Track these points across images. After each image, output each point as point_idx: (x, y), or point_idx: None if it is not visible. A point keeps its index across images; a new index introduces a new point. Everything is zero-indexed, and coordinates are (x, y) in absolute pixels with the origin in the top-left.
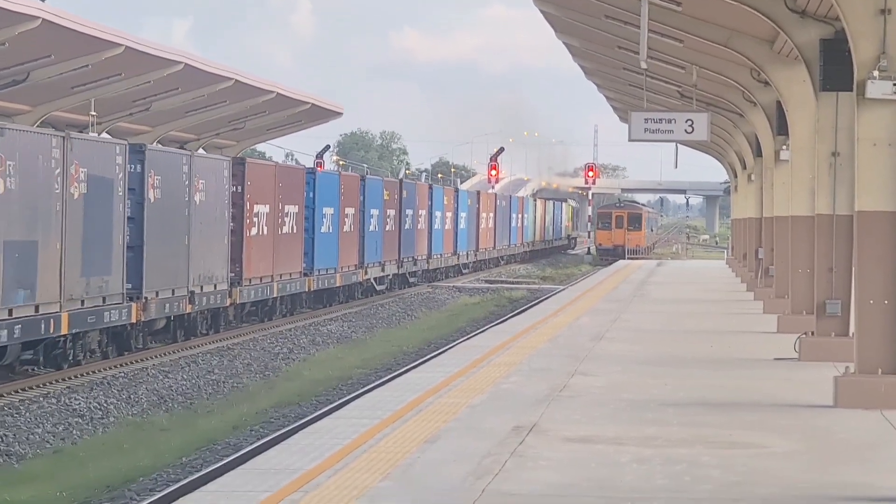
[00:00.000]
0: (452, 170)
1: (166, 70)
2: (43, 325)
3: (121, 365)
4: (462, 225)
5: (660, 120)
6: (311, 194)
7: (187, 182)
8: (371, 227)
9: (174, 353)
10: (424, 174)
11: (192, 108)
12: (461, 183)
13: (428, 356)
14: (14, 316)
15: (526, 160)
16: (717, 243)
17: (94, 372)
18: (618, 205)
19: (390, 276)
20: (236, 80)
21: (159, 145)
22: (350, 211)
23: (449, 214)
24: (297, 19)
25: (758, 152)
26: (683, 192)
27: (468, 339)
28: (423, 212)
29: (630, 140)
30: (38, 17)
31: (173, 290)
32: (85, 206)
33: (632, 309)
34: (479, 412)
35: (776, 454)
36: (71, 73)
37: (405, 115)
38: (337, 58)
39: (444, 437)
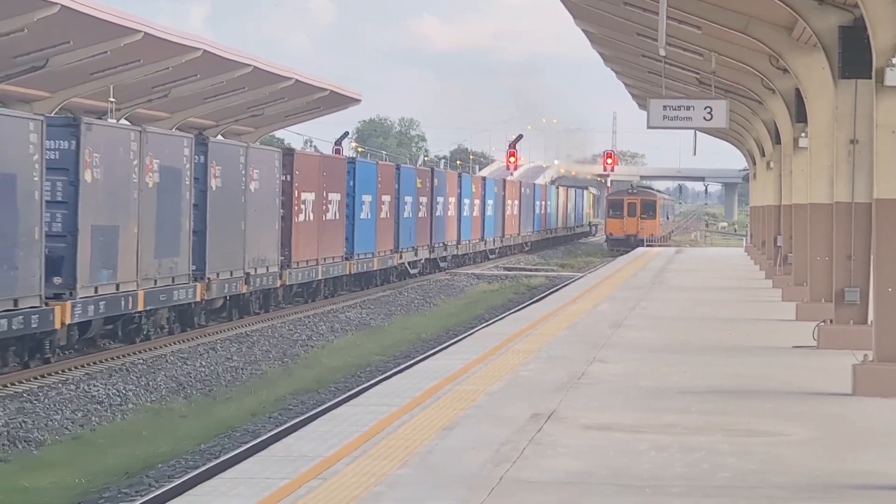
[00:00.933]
0: (471, 157)
1: (185, 56)
2: (123, 302)
3: (139, 352)
4: (489, 212)
5: (678, 107)
6: (352, 183)
7: (244, 172)
8: (405, 214)
9: (192, 339)
10: (443, 161)
11: (211, 94)
12: (479, 170)
13: (446, 343)
14: (99, 293)
15: (544, 147)
16: (735, 231)
17: (113, 359)
18: (630, 191)
19: (422, 261)
20: (255, 67)
21: (221, 137)
22: (386, 198)
23: (477, 202)
24: (315, 5)
25: (776, 140)
26: (702, 179)
27: (487, 326)
28: (452, 199)
29: (649, 127)
30: (57, 4)
31: (231, 272)
32: (158, 194)
33: (650, 296)
34: (497, 399)
35: (794, 442)
36: (90, 59)
37: (423, 102)
38: (355, 44)
39: (462, 425)
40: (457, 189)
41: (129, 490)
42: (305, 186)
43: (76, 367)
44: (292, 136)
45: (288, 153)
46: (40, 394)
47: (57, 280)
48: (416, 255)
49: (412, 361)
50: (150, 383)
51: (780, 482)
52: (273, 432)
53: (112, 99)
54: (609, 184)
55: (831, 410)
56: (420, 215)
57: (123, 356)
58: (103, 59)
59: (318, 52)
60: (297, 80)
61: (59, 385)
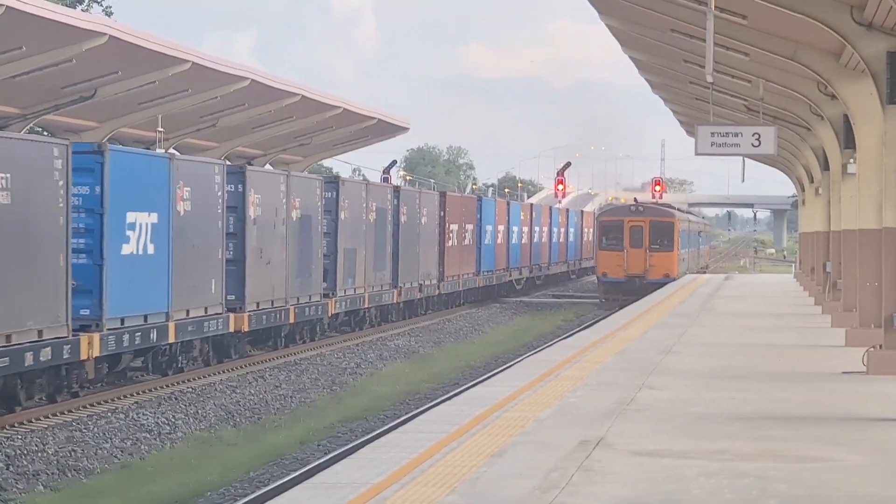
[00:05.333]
0: (519, 184)
1: (233, 86)
2: (358, 301)
3: (188, 380)
4: (571, 238)
5: (726, 134)
6: (479, 215)
7: (419, 210)
8: (513, 241)
9: (241, 368)
10: (491, 189)
11: (259, 123)
12: (528, 197)
13: (495, 371)
14: (346, 294)
15: (592, 174)
16: (784, 257)
17: (161, 387)
18: (634, 209)
19: (524, 279)
20: (303, 96)
21: (408, 186)
22: (501, 228)
23: (563, 230)
24: (361, 34)
25: (825, 166)
26: (751, 205)
27: (535, 353)
28: (545, 228)
29: (697, 154)
30: (105, 34)
31: (411, 283)
32: (375, 227)
33: (699, 323)
34: (546, 426)
35: (845, 468)
36: (138, 89)
37: (471, 130)
38: (401, 73)
39: (510, 451)
40: (548, 219)
41: None
42: (452, 219)
43: (125, 396)
44: (340, 164)
45: (443, 195)
46: (89, 422)
47: (324, 285)
48: (520, 273)
49: (461, 389)
50: (199, 412)
51: None
52: (322, 460)
53: (160, 128)
54: None
55: (882, 436)
56: (523, 241)
57: (172, 385)
58: (151, 89)
59: (364, 81)
60: (344, 109)
61: (109, 414)
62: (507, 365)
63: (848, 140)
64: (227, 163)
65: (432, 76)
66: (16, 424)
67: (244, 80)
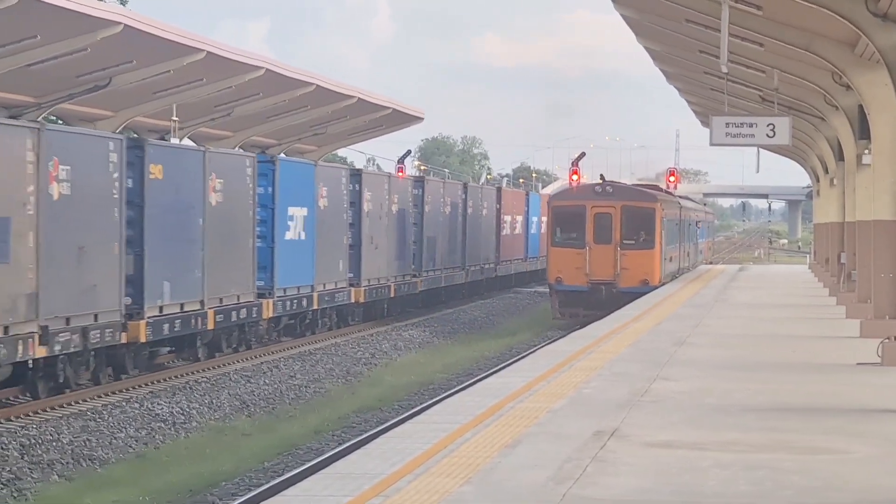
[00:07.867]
0: (534, 174)
1: (248, 75)
2: (437, 282)
3: (203, 370)
4: None
5: (741, 124)
6: (527, 208)
7: (482, 202)
8: None
9: (256, 357)
10: (505, 179)
11: (274, 113)
12: (542, 188)
13: (509, 361)
14: (428, 275)
15: (607, 165)
16: (799, 248)
17: (176, 377)
18: (600, 189)
19: None
20: (318, 86)
21: (473, 182)
22: (544, 219)
23: None
24: (376, 24)
25: (840, 156)
26: (766, 196)
27: (549, 343)
28: None
29: (711, 144)
30: (121, 23)
31: (475, 266)
32: (449, 218)
33: (713, 314)
34: (560, 417)
35: (858, 459)
36: (153, 78)
37: (486, 120)
38: (416, 63)
39: (524, 442)
40: None
41: None
42: (506, 211)
43: (140, 386)
44: (355, 154)
45: (499, 190)
46: (104, 412)
47: (412, 267)
48: None
49: (475, 379)
50: (214, 401)
51: (845, 499)
52: (336, 450)
53: (175, 118)
54: None
55: None
56: None
57: (187, 374)
58: (166, 78)
59: (378, 70)
60: (359, 99)
61: (123, 403)
62: (521, 356)
63: (863, 130)
64: (352, 167)
65: (447, 66)
66: (31, 413)
67: (259, 70)
